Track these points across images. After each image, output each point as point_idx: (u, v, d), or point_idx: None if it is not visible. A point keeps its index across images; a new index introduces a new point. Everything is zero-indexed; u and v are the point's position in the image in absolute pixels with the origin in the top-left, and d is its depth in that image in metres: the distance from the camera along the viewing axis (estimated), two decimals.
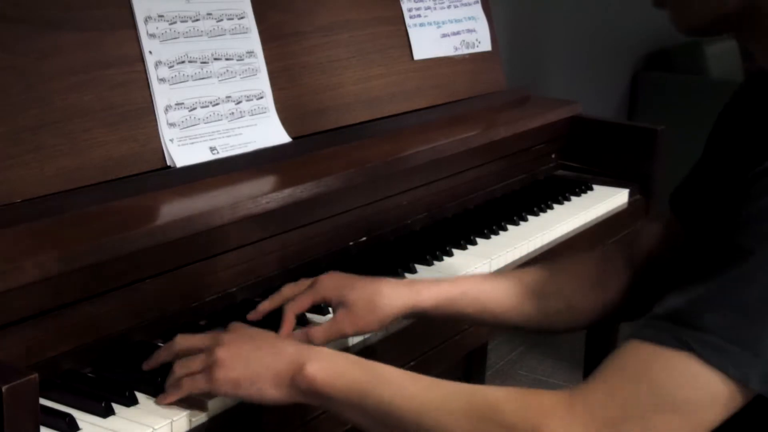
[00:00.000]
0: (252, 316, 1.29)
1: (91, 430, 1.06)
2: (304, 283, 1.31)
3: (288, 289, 1.31)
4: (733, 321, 0.88)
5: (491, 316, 1.31)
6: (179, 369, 1.10)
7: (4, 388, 0.89)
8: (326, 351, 1.08)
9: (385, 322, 1.28)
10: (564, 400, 0.92)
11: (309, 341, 1.23)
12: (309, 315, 1.36)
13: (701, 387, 0.88)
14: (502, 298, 1.31)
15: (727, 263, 0.91)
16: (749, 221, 0.91)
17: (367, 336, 1.36)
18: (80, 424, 1.06)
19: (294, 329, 1.30)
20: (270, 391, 1.06)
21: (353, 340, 1.34)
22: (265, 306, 1.30)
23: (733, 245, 0.91)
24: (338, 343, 1.31)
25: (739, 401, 0.89)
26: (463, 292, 1.31)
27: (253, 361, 1.07)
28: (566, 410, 0.91)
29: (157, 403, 1.11)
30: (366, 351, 1.35)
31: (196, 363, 1.10)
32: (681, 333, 0.89)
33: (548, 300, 1.31)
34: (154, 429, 1.07)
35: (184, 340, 1.14)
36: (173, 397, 1.10)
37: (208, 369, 1.08)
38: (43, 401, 1.05)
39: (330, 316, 1.31)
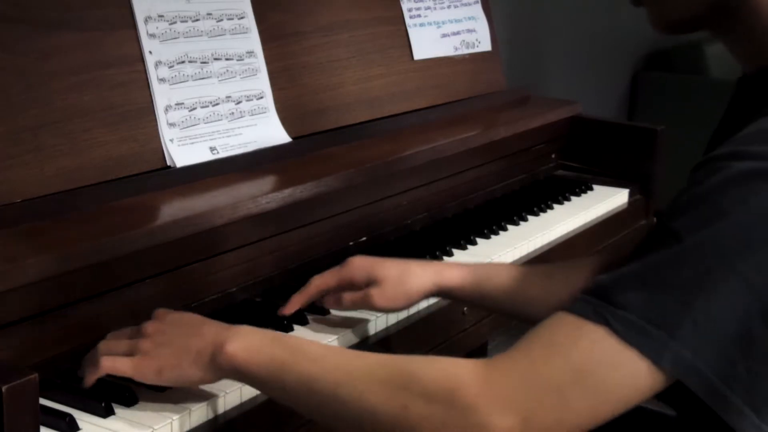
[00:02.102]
0: (285, 310, 1.32)
1: (91, 430, 1.06)
2: (334, 268, 1.35)
3: (317, 278, 1.34)
4: (652, 301, 0.88)
5: (512, 304, 1.33)
6: (102, 347, 1.10)
7: (4, 388, 0.89)
8: (247, 329, 1.07)
9: (413, 299, 1.34)
10: (482, 368, 0.91)
11: (337, 303, 1.33)
12: (309, 315, 1.36)
13: (618, 363, 0.88)
14: (528, 289, 1.32)
15: (655, 244, 0.91)
16: (682, 206, 0.91)
17: (378, 330, 1.38)
18: (80, 424, 1.06)
19: (290, 328, 1.32)
20: (191, 371, 1.06)
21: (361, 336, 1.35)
22: (298, 299, 1.33)
23: (664, 227, 0.92)
24: (346, 338, 1.32)
25: (657, 382, 0.88)
26: (489, 275, 1.34)
27: (175, 347, 1.07)
28: (483, 377, 0.90)
29: (85, 383, 1.10)
30: (368, 349, 1.35)
31: (121, 346, 1.10)
32: (602, 308, 0.89)
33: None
34: (154, 429, 1.07)
35: (105, 345, 1.13)
36: (92, 377, 1.09)
37: (133, 356, 1.08)
38: (43, 401, 1.05)
39: (328, 316, 1.37)
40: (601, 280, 0.92)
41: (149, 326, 1.11)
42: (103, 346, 1.11)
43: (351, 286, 1.34)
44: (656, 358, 0.87)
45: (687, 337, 0.87)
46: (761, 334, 0.87)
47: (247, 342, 1.04)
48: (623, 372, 0.88)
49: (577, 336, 0.90)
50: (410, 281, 1.32)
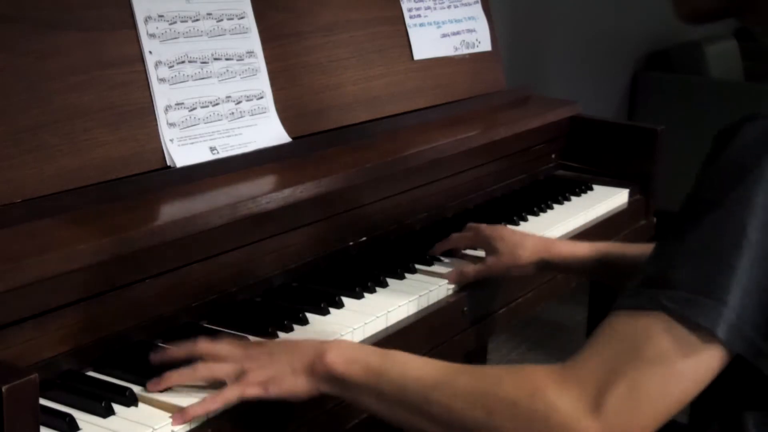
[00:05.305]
0: (434, 251, 1.60)
1: (91, 430, 1.06)
2: (470, 226, 1.62)
3: (455, 235, 1.62)
4: (698, 272, 0.92)
5: (611, 279, 1.55)
6: (203, 370, 1.13)
7: (4, 388, 0.89)
8: (344, 342, 1.17)
9: (525, 268, 1.55)
10: (557, 371, 0.97)
11: (462, 275, 1.53)
12: (309, 315, 1.36)
13: (676, 340, 0.91)
14: (628, 266, 1.45)
15: (690, 218, 0.95)
16: (712, 174, 0.95)
17: (367, 336, 1.37)
18: (80, 424, 1.06)
19: (290, 329, 1.32)
20: (293, 383, 1.11)
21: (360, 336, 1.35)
22: (438, 249, 1.61)
23: (695, 200, 0.96)
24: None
25: (717, 356, 0.91)
26: (590, 254, 1.52)
27: (276, 363, 1.12)
28: (559, 380, 0.95)
29: (150, 389, 1.12)
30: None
31: (223, 371, 1.13)
32: (653, 294, 0.93)
33: None
34: (154, 429, 1.07)
35: (207, 347, 1.16)
36: (175, 381, 1.13)
37: (237, 378, 1.12)
38: (43, 401, 1.05)
39: (328, 317, 1.38)
40: (646, 268, 0.96)
41: (249, 350, 1.15)
42: (204, 369, 1.14)
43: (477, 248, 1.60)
44: (712, 327, 0.90)
45: (735, 300, 0.90)
46: None
47: (345, 351, 1.11)
48: (682, 347, 0.91)
49: (635, 326, 0.94)
50: (520, 254, 1.54)
